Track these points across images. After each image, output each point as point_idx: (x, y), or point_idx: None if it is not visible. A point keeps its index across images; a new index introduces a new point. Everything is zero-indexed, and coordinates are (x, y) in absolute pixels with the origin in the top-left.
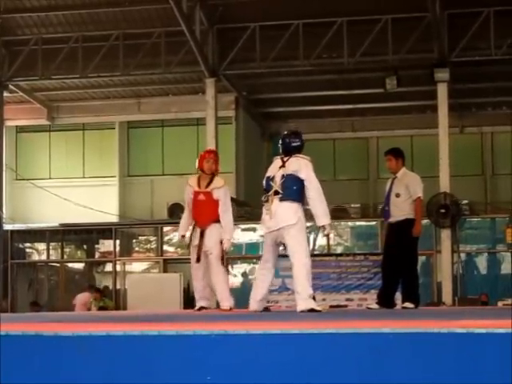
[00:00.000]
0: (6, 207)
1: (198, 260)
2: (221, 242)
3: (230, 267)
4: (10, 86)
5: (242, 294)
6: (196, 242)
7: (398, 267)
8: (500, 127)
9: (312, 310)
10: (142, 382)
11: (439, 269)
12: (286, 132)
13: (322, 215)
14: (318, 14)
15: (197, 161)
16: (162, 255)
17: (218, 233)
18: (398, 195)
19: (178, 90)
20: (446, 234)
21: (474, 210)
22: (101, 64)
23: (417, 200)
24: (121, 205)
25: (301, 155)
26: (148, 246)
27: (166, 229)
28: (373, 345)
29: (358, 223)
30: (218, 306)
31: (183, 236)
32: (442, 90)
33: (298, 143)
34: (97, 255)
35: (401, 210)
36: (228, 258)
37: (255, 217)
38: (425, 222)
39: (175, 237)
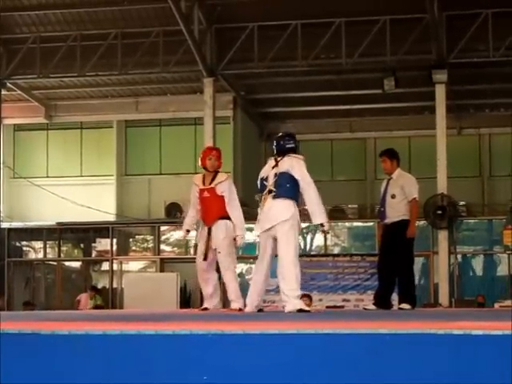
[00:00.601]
0: (3, 205)
1: (205, 258)
2: (234, 239)
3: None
4: (7, 84)
5: None
6: (203, 240)
7: (394, 268)
8: (498, 129)
9: (301, 311)
10: (139, 381)
11: (436, 270)
12: (279, 134)
13: (319, 212)
14: (316, 14)
15: (199, 159)
16: (158, 254)
17: (225, 229)
18: (393, 196)
19: (176, 90)
20: (442, 236)
21: (471, 211)
22: (99, 63)
23: (412, 201)
24: (118, 204)
25: (294, 154)
26: (145, 245)
27: (163, 228)
28: (369, 345)
29: (355, 224)
30: (224, 305)
31: (188, 231)
32: (440, 92)
33: (292, 145)
34: (94, 254)
35: (396, 211)
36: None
37: (252, 217)
38: (422, 223)
39: (172, 236)
